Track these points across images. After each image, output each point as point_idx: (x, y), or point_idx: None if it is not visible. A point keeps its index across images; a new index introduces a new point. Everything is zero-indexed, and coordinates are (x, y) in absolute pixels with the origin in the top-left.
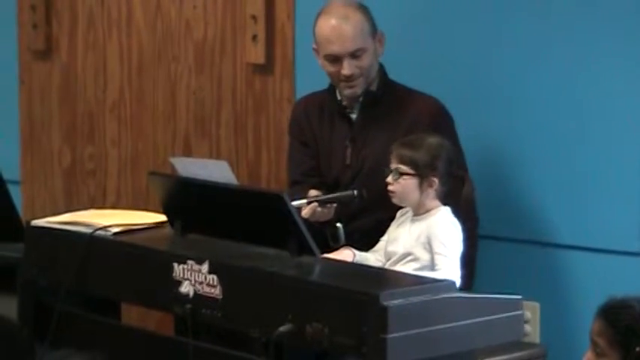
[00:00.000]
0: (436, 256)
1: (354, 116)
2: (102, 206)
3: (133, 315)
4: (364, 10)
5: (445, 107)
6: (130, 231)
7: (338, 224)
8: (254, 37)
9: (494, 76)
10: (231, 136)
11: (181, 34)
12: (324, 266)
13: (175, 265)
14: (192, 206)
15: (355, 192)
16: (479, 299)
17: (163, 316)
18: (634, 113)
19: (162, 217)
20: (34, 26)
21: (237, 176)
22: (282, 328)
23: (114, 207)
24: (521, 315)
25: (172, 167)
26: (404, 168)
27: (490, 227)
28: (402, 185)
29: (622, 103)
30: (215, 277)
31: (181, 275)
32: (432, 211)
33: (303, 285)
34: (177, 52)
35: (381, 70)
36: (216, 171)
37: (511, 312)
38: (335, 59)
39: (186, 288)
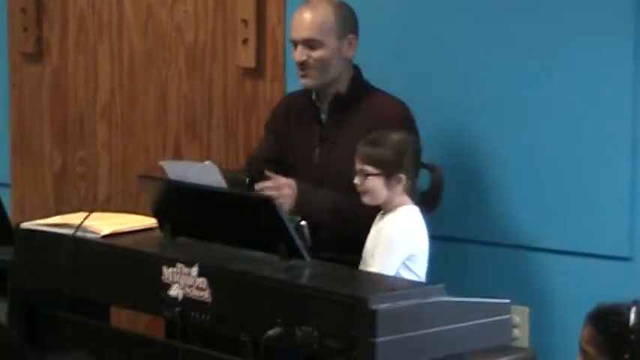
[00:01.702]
0: (373, 259)
1: (324, 117)
2: (92, 209)
3: (122, 318)
4: (340, 7)
5: (408, 111)
6: (119, 234)
7: (302, 222)
8: (245, 41)
9: (482, 79)
10: (221, 140)
11: (172, 37)
12: (314, 270)
13: (165, 268)
14: (181, 209)
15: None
16: (468, 303)
17: (153, 319)
18: (622, 115)
19: (152, 220)
20: (25, 29)
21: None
22: (271, 332)
23: (104, 210)
24: (510, 319)
25: (162, 170)
26: (369, 168)
27: (479, 232)
28: (369, 186)
29: (610, 106)
30: (204, 280)
31: (171, 278)
32: (396, 209)
33: (293, 288)
34: (168, 56)
35: (355, 72)
36: (206, 174)
37: (500, 316)
38: (295, 46)
39: (175, 291)
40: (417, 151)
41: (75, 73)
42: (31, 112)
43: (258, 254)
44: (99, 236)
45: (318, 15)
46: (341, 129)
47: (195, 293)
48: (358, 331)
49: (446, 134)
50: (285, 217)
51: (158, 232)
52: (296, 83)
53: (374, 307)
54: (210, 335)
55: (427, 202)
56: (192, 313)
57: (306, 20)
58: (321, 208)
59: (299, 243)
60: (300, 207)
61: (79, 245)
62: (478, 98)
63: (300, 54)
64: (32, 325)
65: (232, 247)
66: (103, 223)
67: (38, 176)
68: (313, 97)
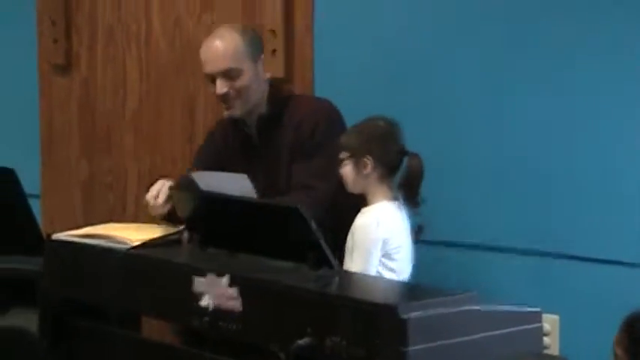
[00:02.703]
0: (352, 262)
1: (255, 141)
2: (121, 219)
3: (153, 327)
4: (247, 33)
5: (334, 110)
6: (149, 244)
7: None
8: (273, 52)
9: (497, 79)
10: None
11: (199, 48)
12: (343, 279)
13: (195, 278)
14: (211, 220)
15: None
16: (498, 312)
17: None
18: (634, 119)
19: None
20: (55, 41)
21: (257, 190)
22: (301, 342)
23: (133, 220)
24: (541, 327)
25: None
26: (342, 154)
27: (509, 240)
28: (342, 173)
29: (620, 110)
30: (235, 290)
31: (201, 288)
32: (370, 205)
33: (323, 298)
34: (196, 67)
35: (271, 89)
36: (236, 185)
37: (531, 324)
38: (212, 80)
39: (206, 301)
40: (389, 137)
41: (103, 84)
42: (59, 122)
43: (288, 264)
44: (129, 247)
45: (229, 44)
46: (274, 148)
47: (225, 303)
48: (388, 341)
49: (467, 136)
50: (314, 226)
51: (187, 243)
52: (325, 93)
53: (404, 316)
54: (238, 345)
55: (405, 191)
56: (222, 323)
57: (219, 51)
58: None
59: (328, 252)
60: None
61: (108, 256)
62: (497, 101)
63: (220, 86)
64: (62, 335)
65: (262, 257)
66: (132, 234)
67: (67, 186)
68: (241, 124)
